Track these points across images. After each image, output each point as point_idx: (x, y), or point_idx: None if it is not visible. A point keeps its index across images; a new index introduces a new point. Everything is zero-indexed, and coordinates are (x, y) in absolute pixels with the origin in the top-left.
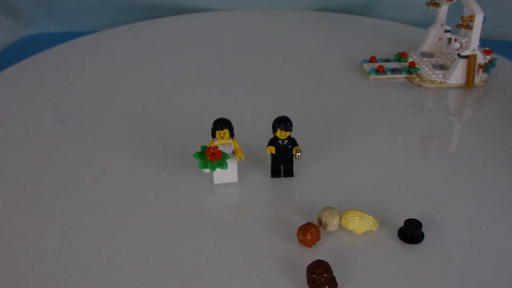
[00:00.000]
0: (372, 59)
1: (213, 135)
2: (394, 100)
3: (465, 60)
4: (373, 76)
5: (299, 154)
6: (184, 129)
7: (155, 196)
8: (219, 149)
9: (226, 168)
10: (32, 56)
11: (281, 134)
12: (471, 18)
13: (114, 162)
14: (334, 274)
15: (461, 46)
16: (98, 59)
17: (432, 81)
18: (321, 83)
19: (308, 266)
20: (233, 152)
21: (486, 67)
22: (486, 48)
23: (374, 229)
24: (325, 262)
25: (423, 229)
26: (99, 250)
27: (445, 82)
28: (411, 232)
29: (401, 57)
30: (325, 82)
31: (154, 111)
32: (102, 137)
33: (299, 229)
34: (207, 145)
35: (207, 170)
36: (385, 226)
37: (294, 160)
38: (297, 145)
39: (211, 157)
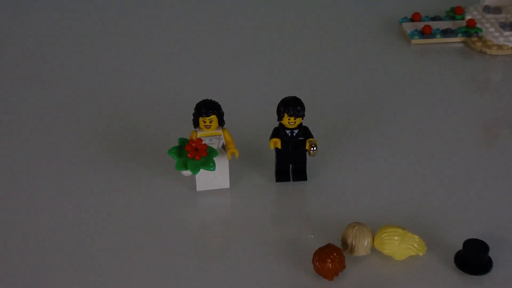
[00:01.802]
0: (415, 17)
1: (196, 124)
2: (446, 73)
3: None
4: (416, 41)
5: (315, 149)
6: (159, 116)
7: (117, 209)
8: (203, 142)
9: (214, 169)
10: None
11: (290, 122)
12: None
13: (64, 161)
14: None
15: None
16: (36, 17)
17: (499, 46)
18: (345, 52)
19: None
20: (223, 147)
21: None
22: None
23: (421, 254)
24: None
25: (490, 254)
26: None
27: None
28: (474, 258)
29: (455, 13)
30: (350, 51)
31: (120, 93)
32: (48, 129)
33: (315, 254)
34: (188, 137)
35: (187, 172)
36: (436, 249)
37: (308, 157)
38: (311, 136)
39: (193, 154)
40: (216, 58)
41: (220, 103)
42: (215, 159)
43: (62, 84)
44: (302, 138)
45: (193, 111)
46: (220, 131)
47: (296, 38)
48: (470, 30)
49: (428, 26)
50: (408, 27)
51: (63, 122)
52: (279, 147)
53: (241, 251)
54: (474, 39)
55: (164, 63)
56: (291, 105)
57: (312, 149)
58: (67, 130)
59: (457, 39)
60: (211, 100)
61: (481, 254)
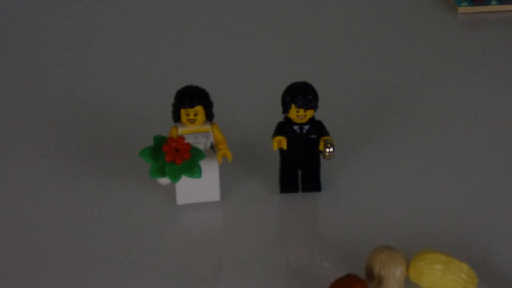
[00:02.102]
0: None
1: (177, 118)
2: (502, 51)
3: None
4: (465, 9)
5: (331, 150)
6: (132, 110)
7: (77, 228)
8: (186, 141)
9: (200, 177)
10: None
11: (299, 115)
12: None
13: (16, 165)
14: None
15: None
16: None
17: None
18: (374, 26)
19: None
20: (212, 148)
21: None
22: None
23: None
24: None
25: None
26: None
27: None
28: None
29: None
30: (380, 25)
31: (82, 82)
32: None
33: (332, 287)
34: (166, 135)
35: (165, 180)
36: (491, 281)
37: (322, 160)
38: (327, 134)
39: (172, 157)
40: (204, 37)
41: (209, 91)
42: (201, 163)
43: (15, 77)
44: (314, 136)
45: (173, 101)
46: (208, 127)
47: (312, 9)
48: None
49: None
50: None
51: (15, 119)
52: (285, 147)
53: (235, 284)
54: None
55: (140, 45)
56: (301, 93)
57: (327, 150)
58: (19, 128)
59: None
60: (196, 86)
61: None
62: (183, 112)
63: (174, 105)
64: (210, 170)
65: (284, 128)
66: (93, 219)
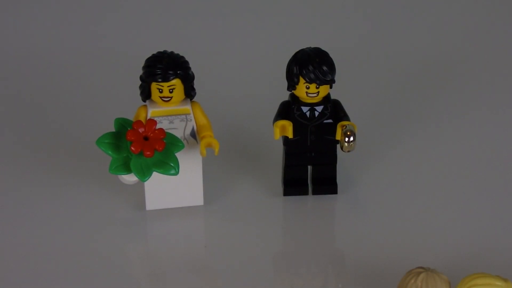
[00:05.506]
0: None
1: (146, 95)
2: None
3: None
4: None
5: (351, 140)
6: (88, 88)
7: (13, 243)
8: (159, 127)
9: (177, 174)
10: None
11: (309, 93)
12: None
13: None
14: None
15: None
16: None
17: None
18: None
19: None
20: (194, 136)
21: None
22: None
23: None
24: None
25: None
26: None
27: None
28: None
29: None
30: None
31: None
32: None
33: None
34: (131, 118)
35: (130, 178)
36: None
37: (340, 153)
38: (346, 118)
39: (140, 147)
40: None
41: (189, 59)
42: (179, 156)
43: None
44: (330, 120)
45: (141, 73)
46: (187, 108)
47: None
48: None
49: None
50: None
51: None
52: (290, 136)
53: None
54: None
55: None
56: (312, 63)
57: (346, 140)
58: None
59: None
60: (172, 53)
61: None
62: (154, 87)
63: (142, 78)
64: (191, 165)
65: (289, 109)
66: (30, 231)
